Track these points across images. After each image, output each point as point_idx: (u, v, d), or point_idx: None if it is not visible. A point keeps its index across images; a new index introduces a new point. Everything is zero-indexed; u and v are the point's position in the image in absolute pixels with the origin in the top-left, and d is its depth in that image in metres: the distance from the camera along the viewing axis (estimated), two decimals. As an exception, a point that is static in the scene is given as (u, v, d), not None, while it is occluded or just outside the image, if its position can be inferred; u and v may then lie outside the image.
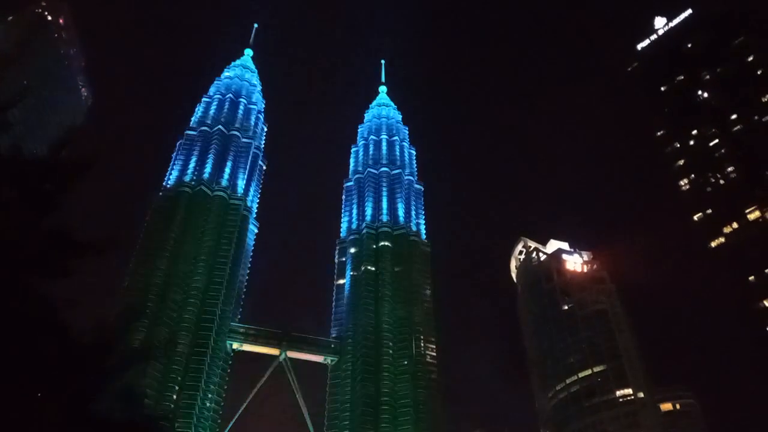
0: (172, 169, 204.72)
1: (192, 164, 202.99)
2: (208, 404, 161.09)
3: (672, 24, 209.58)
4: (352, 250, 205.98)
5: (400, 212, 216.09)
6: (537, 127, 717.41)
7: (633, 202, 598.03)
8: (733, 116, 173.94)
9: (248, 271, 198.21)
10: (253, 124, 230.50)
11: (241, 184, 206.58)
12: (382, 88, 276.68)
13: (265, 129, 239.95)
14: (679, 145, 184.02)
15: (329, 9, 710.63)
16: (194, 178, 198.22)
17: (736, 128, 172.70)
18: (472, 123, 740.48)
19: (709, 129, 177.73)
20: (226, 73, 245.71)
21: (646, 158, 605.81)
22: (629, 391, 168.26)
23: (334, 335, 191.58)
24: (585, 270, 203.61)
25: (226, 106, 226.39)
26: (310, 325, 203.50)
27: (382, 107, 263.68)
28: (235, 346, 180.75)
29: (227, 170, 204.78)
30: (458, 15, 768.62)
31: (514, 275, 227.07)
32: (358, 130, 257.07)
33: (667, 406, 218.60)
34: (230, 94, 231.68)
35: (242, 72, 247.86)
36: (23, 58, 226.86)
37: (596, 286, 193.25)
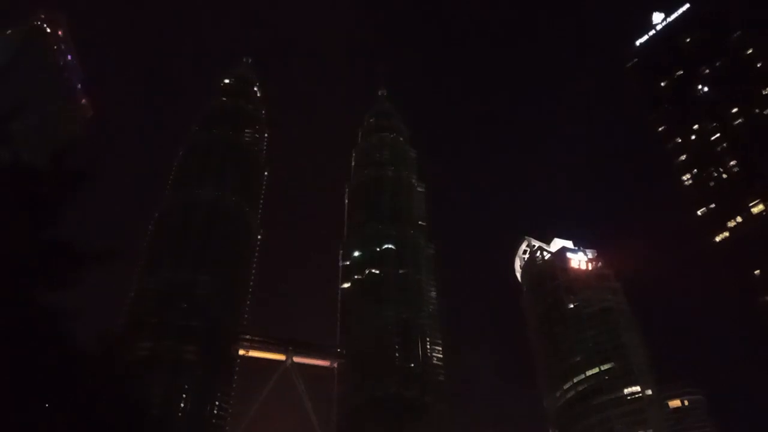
0: (176, 176, 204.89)
1: (195, 171, 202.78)
2: (215, 411, 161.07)
3: (670, 19, 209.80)
4: (356, 254, 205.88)
5: (403, 214, 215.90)
6: (539, 125, 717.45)
7: (636, 198, 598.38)
8: (734, 110, 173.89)
9: (253, 277, 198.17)
10: (254, 130, 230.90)
11: (244, 190, 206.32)
12: (383, 91, 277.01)
13: (267, 134, 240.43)
14: (680, 141, 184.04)
15: (331, 9, 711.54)
16: (197, 185, 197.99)
17: (737, 122, 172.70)
18: (475, 123, 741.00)
19: (710, 123, 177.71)
20: (225, 81, 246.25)
21: (648, 154, 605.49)
22: (637, 388, 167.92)
23: (339, 339, 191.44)
24: (590, 268, 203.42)
25: (228, 113, 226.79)
26: (316, 329, 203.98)
27: (383, 108, 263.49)
28: (242, 352, 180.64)
29: (230, 177, 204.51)
30: (458, 12, 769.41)
31: (518, 275, 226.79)
32: (360, 132, 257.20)
33: (675, 403, 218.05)
34: (231, 101, 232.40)
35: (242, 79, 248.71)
36: (22, 70, 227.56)
37: (601, 284, 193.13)
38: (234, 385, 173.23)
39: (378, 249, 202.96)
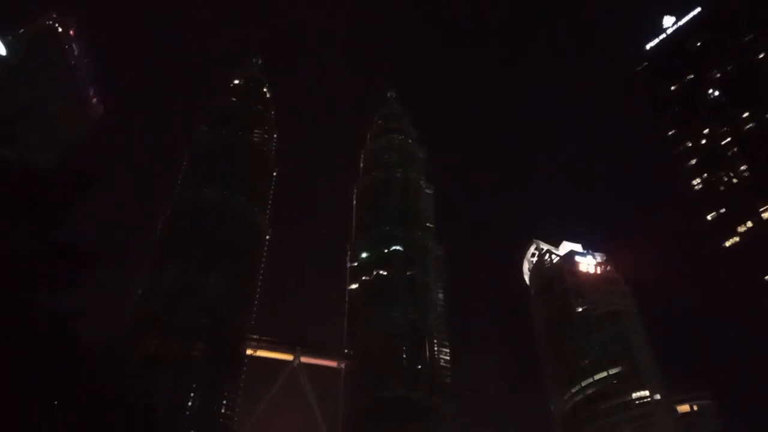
0: (184, 176, 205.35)
1: (203, 172, 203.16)
2: (223, 410, 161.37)
3: (681, 23, 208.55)
4: (364, 255, 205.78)
5: (411, 215, 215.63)
6: (548, 128, 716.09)
7: (646, 202, 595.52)
8: (745, 114, 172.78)
9: (261, 277, 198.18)
10: (263, 130, 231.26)
11: (253, 190, 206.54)
12: (392, 93, 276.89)
13: (276, 135, 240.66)
14: (690, 145, 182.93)
15: (338, 11, 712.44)
16: (206, 185, 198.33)
17: (748, 126, 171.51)
18: (483, 125, 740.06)
19: (720, 127, 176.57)
20: (235, 81, 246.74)
21: (659, 158, 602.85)
22: (645, 392, 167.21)
23: (346, 339, 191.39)
24: (598, 271, 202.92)
25: (238, 113, 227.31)
26: (323, 330, 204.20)
27: (392, 110, 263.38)
28: (249, 351, 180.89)
29: (239, 177, 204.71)
30: (466, 13, 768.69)
31: (527, 277, 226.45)
32: (368, 133, 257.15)
33: (683, 408, 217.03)
34: (241, 101, 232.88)
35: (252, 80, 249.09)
36: (33, 69, 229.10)
37: (610, 288, 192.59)
38: (241, 385, 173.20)
39: (386, 250, 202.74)
